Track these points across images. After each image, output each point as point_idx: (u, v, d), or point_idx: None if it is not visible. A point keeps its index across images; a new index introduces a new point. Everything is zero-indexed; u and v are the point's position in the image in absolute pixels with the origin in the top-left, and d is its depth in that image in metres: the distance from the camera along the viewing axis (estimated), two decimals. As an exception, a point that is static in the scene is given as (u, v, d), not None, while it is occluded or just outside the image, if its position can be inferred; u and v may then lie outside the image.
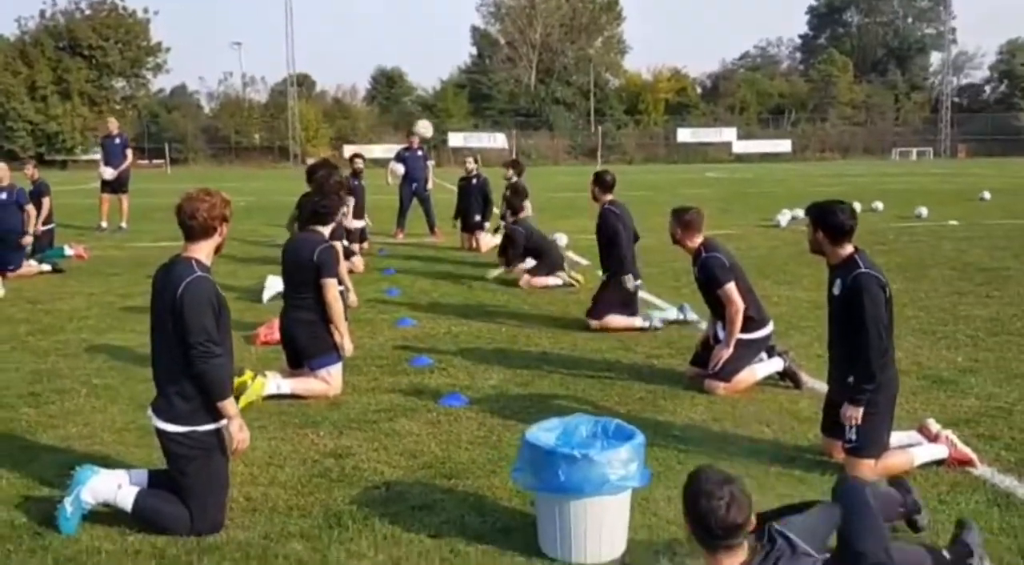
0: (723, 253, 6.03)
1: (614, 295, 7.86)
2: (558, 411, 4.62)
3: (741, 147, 66.71)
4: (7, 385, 6.19)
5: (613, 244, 7.94)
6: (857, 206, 19.09)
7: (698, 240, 6.12)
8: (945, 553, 3.41)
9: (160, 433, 3.88)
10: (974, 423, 5.15)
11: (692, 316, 7.97)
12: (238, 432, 3.90)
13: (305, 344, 5.91)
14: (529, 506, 3.96)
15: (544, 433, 3.78)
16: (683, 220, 6.12)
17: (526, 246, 10.62)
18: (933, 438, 4.57)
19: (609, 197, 8.17)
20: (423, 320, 8.35)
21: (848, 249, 4.52)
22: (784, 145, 67.31)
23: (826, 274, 4.70)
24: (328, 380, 5.85)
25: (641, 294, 8.19)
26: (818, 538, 2.98)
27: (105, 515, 3.89)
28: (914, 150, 68.31)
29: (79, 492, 3.81)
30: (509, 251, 10.81)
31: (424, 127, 15.24)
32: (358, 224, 12.76)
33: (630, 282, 7.81)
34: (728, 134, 67.45)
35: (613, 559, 3.56)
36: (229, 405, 3.86)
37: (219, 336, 3.83)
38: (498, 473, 4.49)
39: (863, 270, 4.38)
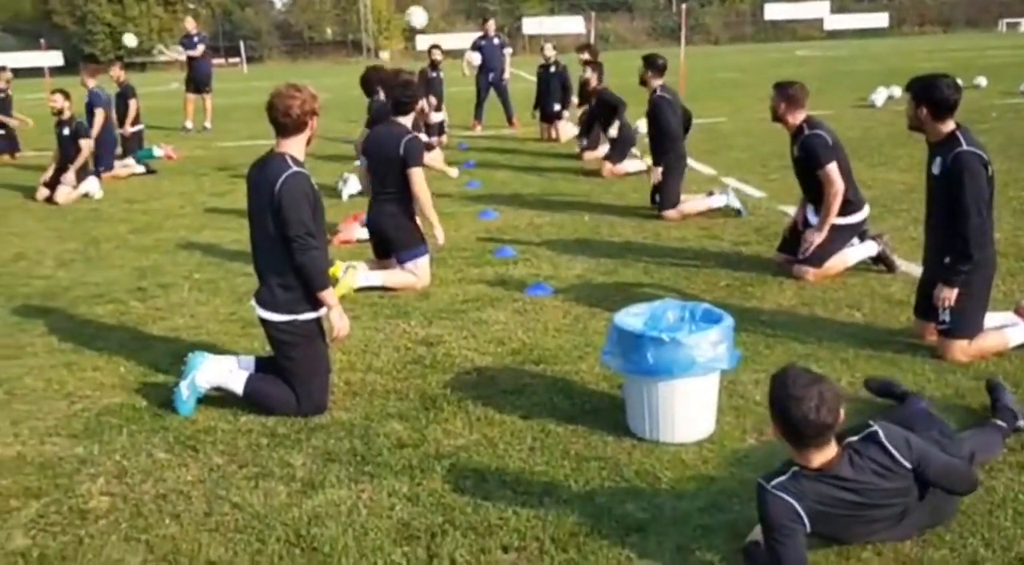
0: (826, 131, 5.77)
1: (677, 182, 7.76)
2: (643, 299, 4.65)
3: (834, 23, 63.18)
4: (114, 281, 6.54)
5: (665, 134, 7.76)
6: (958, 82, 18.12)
7: (800, 117, 5.86)
8: (998, 422, 3.46)
9: (264, 322, 4.08)
10: (1076, 304, 4.99)
11: (735, 203, 7.81)
12: (338, 320, 4.06)
13: (393, 236, 6.03)
14: (616, 390, 4.06)
15: (632, 317, 3.82)
16: (787, 94, 5.86)
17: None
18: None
19: (660, 82, 7.87)
20: (505, 212, 8.40)
21: (950, 126, 4.33)
22: (880, 19, 63.48)
23: (923, 154, 4.53)
24: (415, 272, 5.98)
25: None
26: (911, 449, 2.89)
27: (218, 399, 4.15)
28: (1023, 20, 63.68)
29: (194, 377, 4.07)
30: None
31: (415, 15, 13.13)
32: (437, 117, 12.73)
33: (656, 174, 7.82)
34: (820, 9, 63.78)
35: (700, 439, 3.64)
36: (328, 295, 4.02)
37: (316, 229, 3.95)
38: (585, 359, 4.59)
39: (965, 148, 4.21)
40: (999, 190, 8.03)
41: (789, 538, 2.62)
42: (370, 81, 8.75)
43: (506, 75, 15.08)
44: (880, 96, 15.91)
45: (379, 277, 5.97)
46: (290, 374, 4.03)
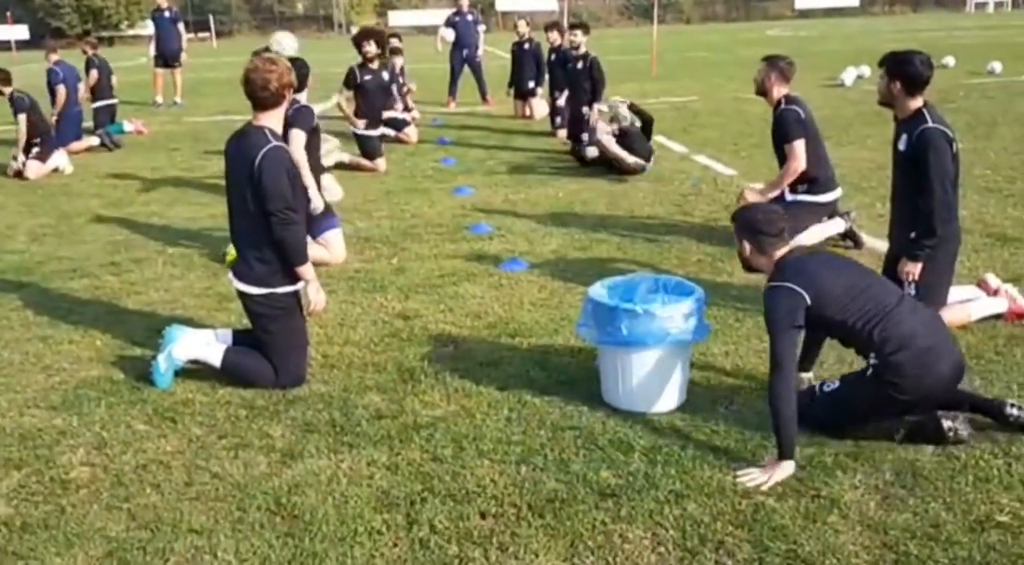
0: (802, 108, 5.84)
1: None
2: (617, 273, 4.73)
3: (804, 2, 63.34)
4: (87, 256, 6.51)
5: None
6: (926, 62, 18.32)
7: (783, 91, 5.91)
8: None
9: (242, 295, 4.10)
10: (1036, 279, 5.14)
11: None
12: (315, 294, 4.09)
13: None
14: (590, 361, 4.13)
15: (607, 290, 3.90)
16: (778, 66, 5.88)
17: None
18: (992, 292, 4.59)
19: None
20: (480, 188, 8.44)
21: (919, 102, 4.41)
22: (850, -1, 63.85)
23: (891, 133, 4.62)
24: (325, 245, 5.93)
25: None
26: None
27: (195, 371, 4.17)
28: (991, 1, 64.32)
29: (171, 349, 4.09)
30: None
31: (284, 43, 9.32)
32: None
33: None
34: (790, -12, 64.00)
35: (672, 408, 3.74)
36: (306, 269, 4.05)
37: (296, 203, 3.97)
38: (560, 332, 4.67)
39: (930, 125, 4.29)
40: (965, 169, 8.19)
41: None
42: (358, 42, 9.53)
43: (480, 52, 15.03)
44: (849, 76, 16.07)
45: None
46: (268, 347, 4.06)
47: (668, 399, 3.74)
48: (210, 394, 4.04)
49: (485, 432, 3.62)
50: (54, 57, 11.24)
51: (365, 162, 9.52)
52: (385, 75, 9.69)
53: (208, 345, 4.16)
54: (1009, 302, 4.53)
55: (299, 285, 4.10)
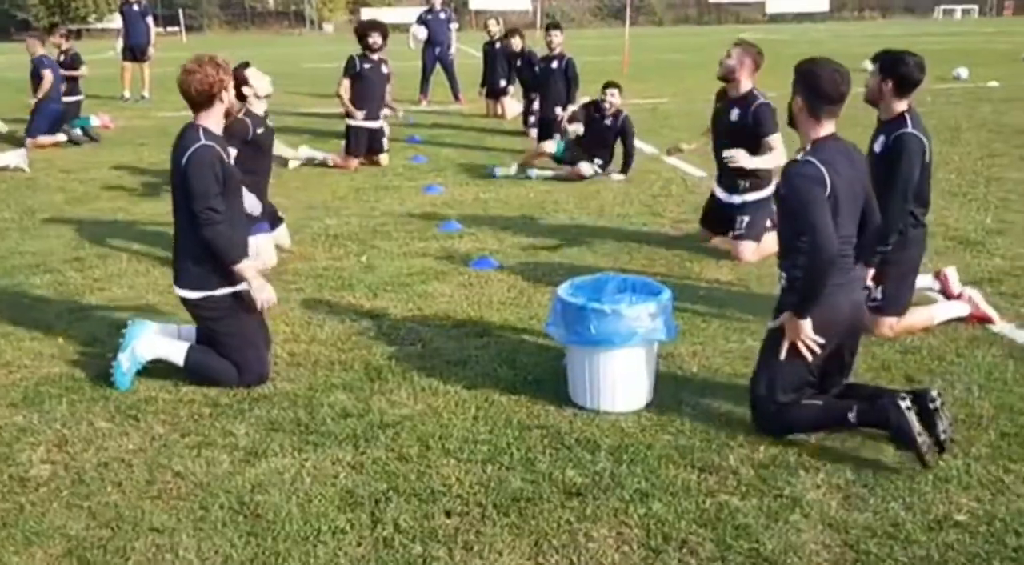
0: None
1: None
2: (586, 273, 4.73)
3: (775, 6, 63.93)
4: (51, 251, 6.41)
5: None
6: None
7: (752, 82, 5.93)
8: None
9: (182, 300, 4.06)
10: (997, 282, 5.23)
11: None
12: (260, 292, 3.98)
13: None
14: (558, 361, 4.14)
15: (575, 289, 3.91)
16: (754, 54, 5.90)
17: None
18: (956, 296, 4.66)
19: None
20: (450, 187, 8.42)
21: (904, 105, 4.38)
22: (821, 4, 64.34)
23: (859, 137, 4.65)
24: (258, 252, 5.64)
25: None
26: None
27: (158, 369, 4.12)
28: (958, 8, 65.33)
29: (134, 347, 4.03)
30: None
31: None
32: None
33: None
34: (762, -8, 64.67)
35: (638, 408, 3.75)
36: (243, 268, 3.95)
37: (223, 203, 3.91)
38: (529, 331, 4.67)
39: (909, 130, 4.29)
40: (931, 172, 8.34)
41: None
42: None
43: (452, 50, 14.99)
44: (819, 80, 16.22)
45: None
46: (223, 347, 4.01)
47: (635, 398, 3.75)
48: (173, 392, 3.99)
49: (452, 431, 3.61)
50: (41, 49, 11.13)
51: (337, 160, 9.47)
52: (384, 69, 9.57)
53: (171, 343, 4.11)
54: (972, 308, 4.60)
55: (241, 285, 4.02)
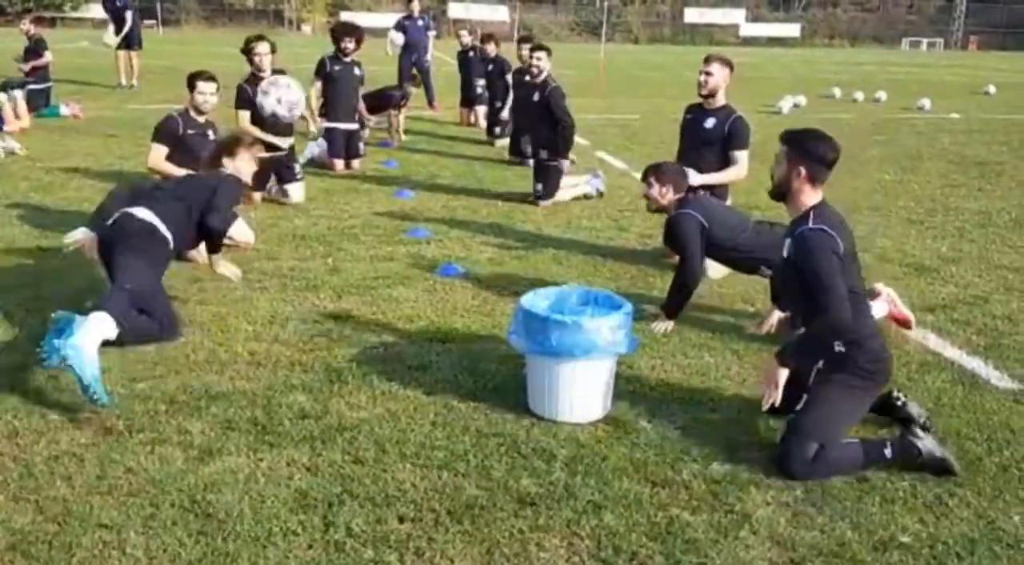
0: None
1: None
2: (551, 284, 4.78)
3: (749, 30, 64.92)
4: (12, 239, 6.31)
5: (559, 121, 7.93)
6: (860, 95, 18.96)
7: (727, 94, 6.21)
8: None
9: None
10: (950, 309, 5.35)
11: (601, 188, 8.37)
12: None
13: None
14: (519, 369, 4.16)
15: (538, 300, 3.94)
16: (730, 65, 6.15)
17: None
18: (874, 297, 4.78)
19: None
20: (420, 193, 8.43)
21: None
22: (793, 30, 65.53)
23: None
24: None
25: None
26: None
27: (115, 364, 4.08)
28: (924, 41, 66.64)
29: (85, 358, 3.64)
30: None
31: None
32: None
33: (566, 165, 8.14)
34: (736, 16, 65.45)
35: (596, 419, 3.78)
36: None
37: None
38: (491, 339, 4.69)
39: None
40: (890, 200, 8.53)
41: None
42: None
43: (428, 57, 15.01)
44: (787, 104, 16.51)
45: None
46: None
47: (592, 410, 3.79)
48: (129, 387, 3.96)
49: (409, 436, 3.61)
50: (34, 29, 11.15)
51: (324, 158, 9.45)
52: (357, 70, 9.54)
53: (101, 321, 3.91)
54: (889, 306, 4.78)
55: None
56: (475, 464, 3.41)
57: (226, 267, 5.05)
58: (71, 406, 3.75)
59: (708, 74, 6.08)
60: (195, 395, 3.90)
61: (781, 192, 3.63)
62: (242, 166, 5.14)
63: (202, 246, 5.51)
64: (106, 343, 3.93)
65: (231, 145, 5.25)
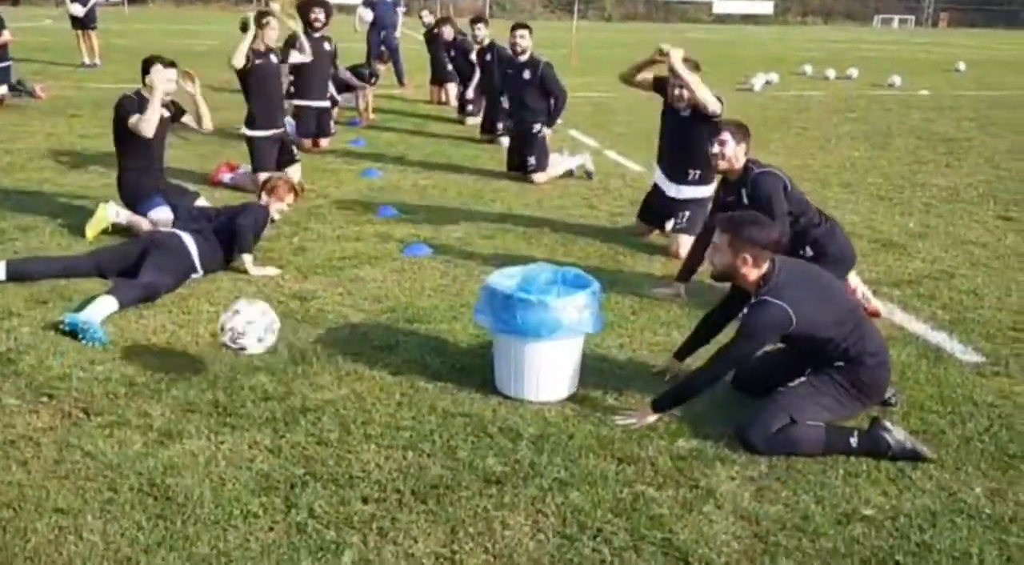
0: None
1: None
2: (520, 262, 4.73)
3: (722, 7, 64.91)
4: (-31, 222, 6.17)
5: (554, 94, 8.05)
6: (832, 73, 19.00)
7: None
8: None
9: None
10: (916, 284, 5.38)
11: (590, 166, 8.28)
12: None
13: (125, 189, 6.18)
14: (486, 349, 4.13)
15: (505, 279, 3.90)
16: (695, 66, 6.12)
17: None
18: (851, 292, 4.82)
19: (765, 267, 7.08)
20: (389, 172, 8.35)
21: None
22: (766, 7, 65.59)
23: (794, 140, 4.70)
24: (155, 225, 5.85)
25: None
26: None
27: (74, 346, 4.01)
28: (896, 18, 67.02)
29: (89, 318, 4.23)
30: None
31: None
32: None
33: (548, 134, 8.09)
34: (710, -8, 65.49)
35: (563, 398, 3.76)
36: None
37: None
38: (459, 319, 4.65)
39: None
40: (860, 176, 8.56)
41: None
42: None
43: (397, 34, 14.84)
44: (759, 81, 16.51)
45: (125, 215, 5.98)
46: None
47: (559, 388, 3.77)
48: (88, 369, 3.88)
49: (374, 416, 3.58)
50: None
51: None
52: (327, 46, 9.36)
53: (101, 304, 4.37)
54: (864, 303, 4.79)
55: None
56: (440, 444, 3.38)
57: (260, 270, 5.30)
58: (29, 391, 3.68)
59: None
60: (155, 377, 3.84)
61: (727, 276, 3.62)
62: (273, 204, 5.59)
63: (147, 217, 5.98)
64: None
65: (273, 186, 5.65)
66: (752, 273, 3.51)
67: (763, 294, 3.43)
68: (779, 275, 3.47)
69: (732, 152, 4.76)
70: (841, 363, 3.49)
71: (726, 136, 4.76)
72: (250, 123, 7.51)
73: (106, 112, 10.88)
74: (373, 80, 11.38)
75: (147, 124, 5.80)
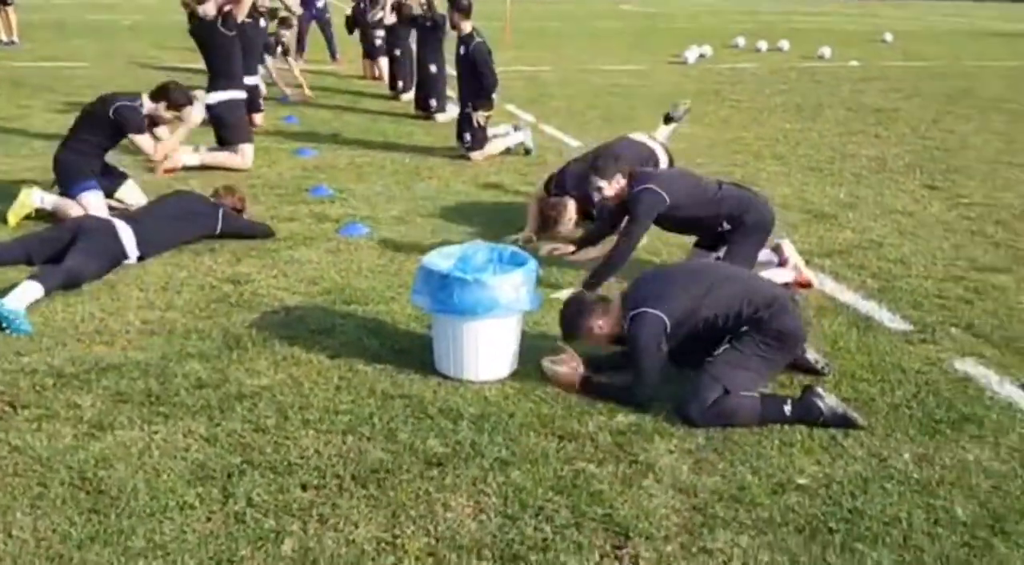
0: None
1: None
2: (458, 241, 4.71)
3: (655, -21, 65.07)
4: None
5: (482, 75, 7.87)
6: (763, 45, 19.24)
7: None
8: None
9: None
10: (847, 254, 5.50)
11: (530, 144, 8.33)
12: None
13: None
14: (426, 330, 4.11)
15: (441, 259, 3.88)
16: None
17: None
18: (783, 263, 4.91)
19: (470, 25, 8.00)
20: (323, 150, 8.22)
21: (621, 184, 4.70)
22: (699, -21, 65.95)
23: (728, 112, 4.75)
24: (86, 208, 5.75)
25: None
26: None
27: (-3, 337, 3.88)
28: (828, -12, 67.94)
29: (14, 307, 4.13)
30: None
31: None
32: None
33: (482, 117, 7.95)
34: (643, -35, 65.55)
35: (502, 377, 3.77)
36: None
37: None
38: (397, 299, 4.61)
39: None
40: (791, 148, 8.71)
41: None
42: None
43: (324, 5, 14.51)
44: (692, 54, 16.63)
45: (50, 200, 5.84)
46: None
47: (499, 367, 3.77)
48: (14, 361, 3.76)
49: (312, 401, 3.53)
50: None
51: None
52: (262, 22, 9.12)
53: (25, 289, 4.25)
54: (796, 274, 4.90)
55: None
56: (380, 427, 3.36)
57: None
58: (-52, 385, 3.54)
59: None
60: (84, 367, 3.73)
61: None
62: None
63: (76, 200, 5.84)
64: None
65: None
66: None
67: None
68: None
69: (612, 192, 4.72)
70: (746, 327, 3.54)
71: (601, 183, 4.70)
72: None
73: (25, 91, 10.54)
74: (283, 48, 11.15)
75: (152, 148, 6.22)
